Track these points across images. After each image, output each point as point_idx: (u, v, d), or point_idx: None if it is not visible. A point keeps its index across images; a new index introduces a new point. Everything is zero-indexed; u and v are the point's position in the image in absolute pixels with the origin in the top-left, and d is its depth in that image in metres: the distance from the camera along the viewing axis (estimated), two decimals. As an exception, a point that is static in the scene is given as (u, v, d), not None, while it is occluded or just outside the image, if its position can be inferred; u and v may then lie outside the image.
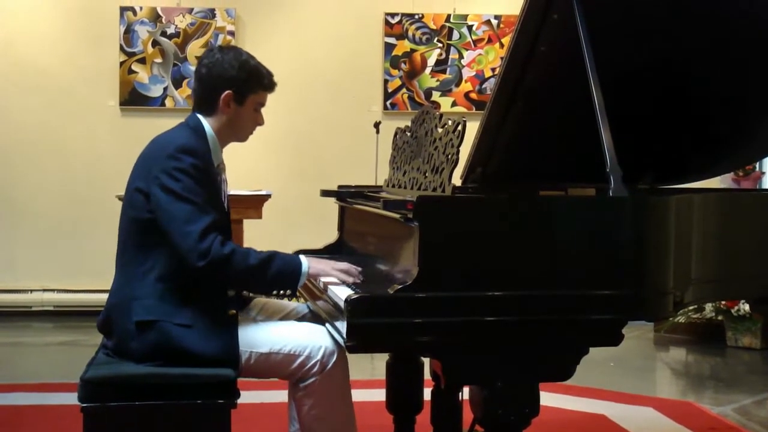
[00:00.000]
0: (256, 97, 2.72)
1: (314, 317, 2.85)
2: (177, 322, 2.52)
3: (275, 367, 2.59)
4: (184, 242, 2.49)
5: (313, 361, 2.56)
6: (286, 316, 2.91)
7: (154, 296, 2.55)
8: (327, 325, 2.58)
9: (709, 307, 6.06)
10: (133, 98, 7.00)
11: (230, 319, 2.62)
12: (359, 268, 2.68)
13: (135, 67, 7.00)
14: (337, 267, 2.67)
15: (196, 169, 2.55)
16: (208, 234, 2.49)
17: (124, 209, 2.66)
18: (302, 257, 2.66)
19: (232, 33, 7.02)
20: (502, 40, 7.15)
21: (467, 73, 7.22)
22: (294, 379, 2.61)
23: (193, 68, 6.89)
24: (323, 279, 2.65)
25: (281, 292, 2.75)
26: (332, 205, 3.42)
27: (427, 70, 7.20)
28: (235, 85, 2.67)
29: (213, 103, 2.69)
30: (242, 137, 2.79)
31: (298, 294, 2.95)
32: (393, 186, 3.11)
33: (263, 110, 2.77)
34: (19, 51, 6.97)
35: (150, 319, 2.53)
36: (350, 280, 2.63)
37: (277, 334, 2.61)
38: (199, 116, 2.71)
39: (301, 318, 2.91)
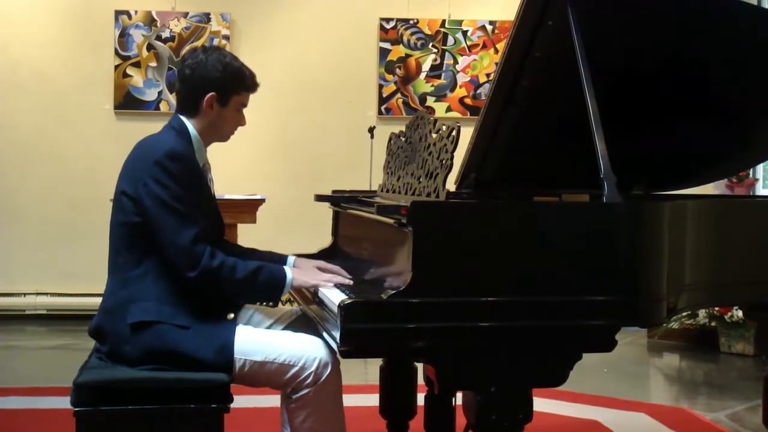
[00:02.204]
0: (238, 98, 2.74)
1: (307, 321, 2.85)
2: (176, 323, 2.53)
3: (269, 376, 2.57)
4: (173, 253, 2.53)
5: (307, 372, 2.55)
6: (279, 319, 2.91)
7: (152, 298, 2.56)
8: (320, 330, 2.57)
9: (702, 313, 6.07)
10: (127, 102, 7.00)
11: (228, 322, 2.64)
12: (348, 277, 2.69)
13: (130, 70, 6.99)
14: (323, 277, 2.69)
15: (184, 175, 2.57)
16: (197, 244, 2.52)
17: (114, 213, 2.67)
18: (287, 269, 2.68)
19: (227, 37, 7.02)
20: (497, 46, 7.16)
21: (462, 78, 7.23)
22: (287, 389, 2.59)
23: (188, 72, 6.93)
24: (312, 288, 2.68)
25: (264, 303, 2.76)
26: (326, 210, 3.42)
27: (422, 76, 7.21)
28: (218, 87, 2.69)
29: (196, 104, 2.70)
30: (224, 137, 2.82)
31: (291, 299, 2.96)
32: (387, 191, 3.11)
33: (245, 110, 2.80)
34: (14, 54, 6.97)
35: (147, 320, 2.53)
36: (338, 282, 2.65)
37: (272, 343, 2.60)
38: (182, 117, 2.73)
39: (294, 321, 2.91)
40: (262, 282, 2.61)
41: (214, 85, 2.68)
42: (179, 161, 2.57)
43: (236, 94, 2.72)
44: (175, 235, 2.51)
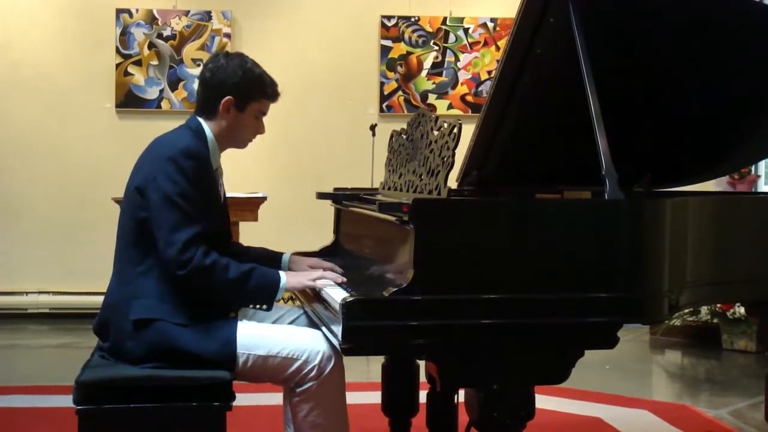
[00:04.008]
0: (257, 105, 2.74)
1: (309, 319, 2.85)
2: (176, 321, 2.53)
3: (272, 370, 2.58)
4: (166, 249, 2.51)
5: (310, 366, 2.55)
6: (283, 317, 2.91)
7: (154, 296, 2.56)
8: (323, 327, 2.58)
9: (704, 309, 6.06)
10: (129, 100, 6.99)
11: (229, 320, 2.63)
12: (340, 274, 2.69)
13: (131, 69, 6.99)
14: (313, 276, 2.68)
15: (196, 174, 2.56)
16: (192, 245, 2.50)
17: (124, 208, 2.67)
18: (281, 273, 2.65)
19: (228, 35, 7.02)
20: (499, 43, 7.15)
21: (463, 75, 7.22)
22: (290, 384, 2.59)
23: (189, 70, 6.95)
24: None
25: (258, 306, 2.70)
26: (328, 208, 3.42)
27: (423, 73, 7.20)
28: (236, 92, 2.69)
29: (213, 107, 2.70)
30: (241, 144, 2.81)
31: (294, 296, 2.96)
32: (389, 189, 3.10)
33: (264, 119, 2.79)
34: (15, 53, 6.97)
35: (149, 318, 2.53)
36: (330, 278, 2.65)
37: (274, 337, 2.60)
38: (200, 119, 2.73)
39: (297, 319, 2.91)
40: (254, 284, 2.58)
41: (232, 89, 2.68)
42: (193, 159, 2.57)
43: (254, 101, 2.72)
44: (171, 232, 2.50)
